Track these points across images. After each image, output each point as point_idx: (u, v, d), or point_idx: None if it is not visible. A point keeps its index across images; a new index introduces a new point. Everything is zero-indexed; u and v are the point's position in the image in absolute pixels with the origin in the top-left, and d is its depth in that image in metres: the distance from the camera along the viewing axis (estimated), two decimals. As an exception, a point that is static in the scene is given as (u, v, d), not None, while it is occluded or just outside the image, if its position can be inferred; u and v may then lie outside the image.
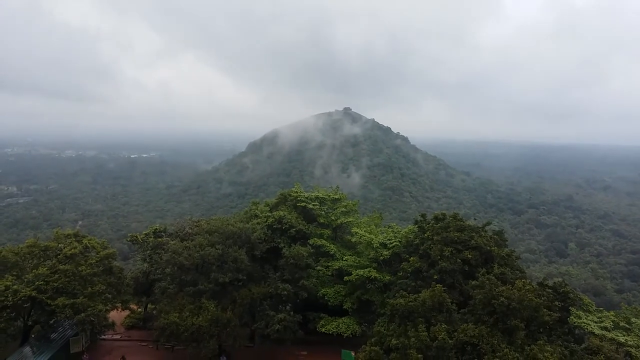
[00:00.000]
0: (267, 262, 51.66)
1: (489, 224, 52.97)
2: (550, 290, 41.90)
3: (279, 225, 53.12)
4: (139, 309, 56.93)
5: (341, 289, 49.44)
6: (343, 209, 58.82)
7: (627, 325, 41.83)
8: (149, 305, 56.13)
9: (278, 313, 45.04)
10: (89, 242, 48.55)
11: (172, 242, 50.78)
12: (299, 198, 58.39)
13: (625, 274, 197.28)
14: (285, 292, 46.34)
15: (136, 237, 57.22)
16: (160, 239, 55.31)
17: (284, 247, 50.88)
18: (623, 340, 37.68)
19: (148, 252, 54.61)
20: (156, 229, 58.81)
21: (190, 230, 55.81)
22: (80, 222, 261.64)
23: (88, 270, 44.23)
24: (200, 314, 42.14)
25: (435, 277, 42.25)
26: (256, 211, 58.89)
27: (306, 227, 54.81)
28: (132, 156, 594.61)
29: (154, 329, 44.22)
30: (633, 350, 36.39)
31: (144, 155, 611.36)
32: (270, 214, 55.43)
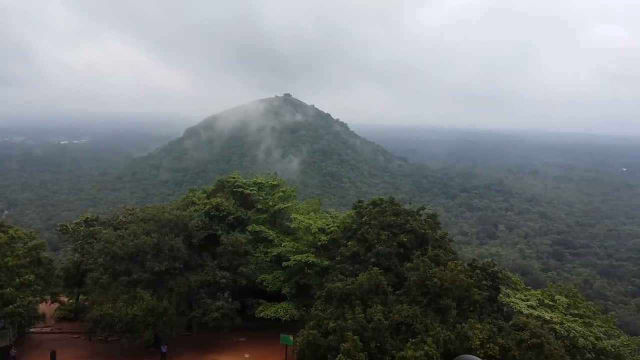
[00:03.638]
0: (205, 249, 51.02)
1: (423, 208, 54.56)
2: (479, 271, 43.71)
3: (217, 213, 52.49)
4: (70, 301, 54.89)
5: (280, 275, 49.61)
6: (281, 194, 58.81)
7: (552, 303, 44.28)
8: (80, 297, 54.22)
9: (216, 301, 44.78)
10: (15, 233, 46.22)
11: (104, 231, 49.16)
12: (236, 184, 57.88)
13: (550, 253, 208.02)
14: (224, 280, 46.09)
15: (66, 226, 54.97)
16: (92, 228, 53.35)
17: (222, 234, 50.42)
18: (548, 317, 39.87)
19: (79, 241, 52.52)
20: (88, 217, 56.67)
21: (124, 219, 54.19)
22: (6, 212, 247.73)
23: (14, 262, 42.20)
24: (135, 304, 41.24)
25: (372, 260, 43.14)
26: (193, 198, 57.92)
27: (244, 213, 54.48)
28: (62, 142, 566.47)
29: (87, 320, 42.89)
30: (557, 326, 38.58)
31: (75, 142, 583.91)
32: (207, 201, 54.64)
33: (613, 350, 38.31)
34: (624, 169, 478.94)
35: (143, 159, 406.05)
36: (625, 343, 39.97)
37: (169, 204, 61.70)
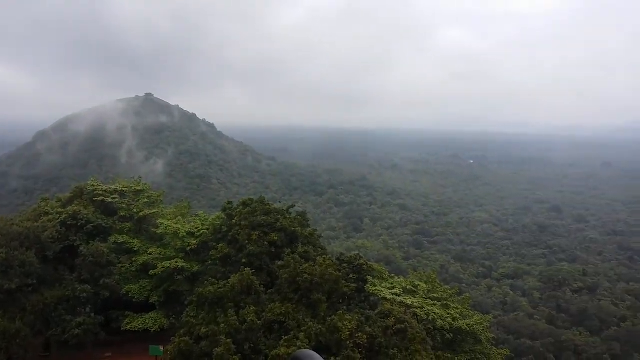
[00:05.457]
0: (62, 262, 47.29)
1: (293, 206, 55.67)
2: (345, 265, 45.60)
3: (74, 222, 48.91)
4: None
5: (147, 284, 47.49)
6: (146, 200, 56.40)
7: (413, 289, 47.49)
8: None
9: (76, 317, 41.84)
10: None
11: (-60, 250, 43.63)
12: (96, 191, 54.35)
13: (411, 242, 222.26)
14: (85, 294, 43.11)
15: None
16: None
17: (81, 244, 47.13)
18: (410, 303, 42.69)
19: None
20: None
21: (-36, 235, 48.49)
22: None
23: None
24: (-18, 328, 37.18)
25: (244, 261, 43.10)
26: (46, 208, 53.36)
27: (105, 221, 51.41)
28: None
29: None
30: (418, 310, 41.46)
31: None
32: (63, 210, 50.71)
33: (468, 328, 42.11)
34: (471, 162, 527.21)
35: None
36: (478, 322, 44.21)
37: (19, 215, 56.29)
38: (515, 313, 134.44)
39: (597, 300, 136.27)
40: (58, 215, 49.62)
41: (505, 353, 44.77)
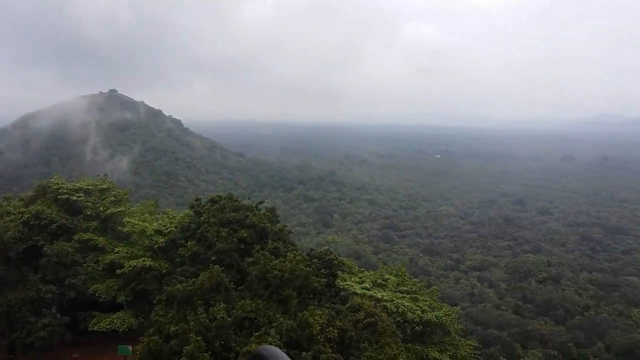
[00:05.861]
0: (25, 263, 46.11)
1: (262, 202, 55.42)
2: (316, 260, 45.68)
3: (37, 221, 47.64)
4: None
5: (114, 283, 46.63)
6: (113, 199, 55.30)
7: (383, 282, 47.98)
8: None
9: (41, 318, 40.90)
10: None
11: None
12: (60, 190, 52.99)
13: (380, 237, 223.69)
14: (50, 294, 42.20)
15: None
16: None
17: (45, 244, 45.97)
18: (380, 296, 43.12)
19: None
20: None
21: None
22: None
23: None
24: (-59, 333, 36.01)
25: (213, 258, 42.71)
26: (8, 208, 51.86)
27: (70, 220, 50.21)
28: None
29: None
30: (388, 304, 41.92)
31: None
32: (25, 210, 49.34)
33: (437, 320, 42.79)
34: (438, 156, 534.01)
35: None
36: (447, 313, 45.00)
37: (-22, 215, 54.55)
38: (483, 304, 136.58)
39: (562, 290, 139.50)
40: (20, 215, 48.32)
41: (473, 344, 45.65)
